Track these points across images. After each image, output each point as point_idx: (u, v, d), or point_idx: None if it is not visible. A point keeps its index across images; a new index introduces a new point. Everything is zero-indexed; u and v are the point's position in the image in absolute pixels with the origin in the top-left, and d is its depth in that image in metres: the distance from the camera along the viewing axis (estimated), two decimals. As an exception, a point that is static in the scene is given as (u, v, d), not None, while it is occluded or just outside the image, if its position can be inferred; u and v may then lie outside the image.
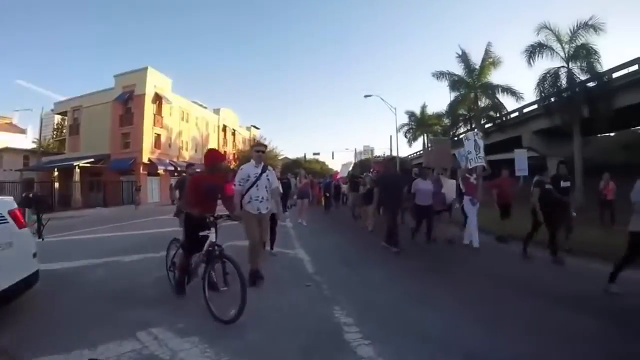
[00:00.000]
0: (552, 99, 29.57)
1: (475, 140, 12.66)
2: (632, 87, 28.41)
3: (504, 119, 37.57)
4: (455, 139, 34.42)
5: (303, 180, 18.29)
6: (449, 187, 12.63)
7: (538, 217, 9.87)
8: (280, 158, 73.37)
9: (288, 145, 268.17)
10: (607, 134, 45.60)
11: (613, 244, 10.57)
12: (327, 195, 25.88)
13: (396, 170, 13.23)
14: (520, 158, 15.72)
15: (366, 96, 46.08)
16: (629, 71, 28.91)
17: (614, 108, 28.02)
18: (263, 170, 7.62)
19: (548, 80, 29.08)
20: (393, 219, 11.17)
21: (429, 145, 46.69)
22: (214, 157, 6.66)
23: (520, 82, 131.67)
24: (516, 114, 38.83)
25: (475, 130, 14.88)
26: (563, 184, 10.07)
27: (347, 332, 5.06)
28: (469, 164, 12.56)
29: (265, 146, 8.21)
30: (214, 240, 5.92)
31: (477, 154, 12.40)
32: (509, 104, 44.10)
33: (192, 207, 6.17)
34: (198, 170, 8.53)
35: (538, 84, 29.57)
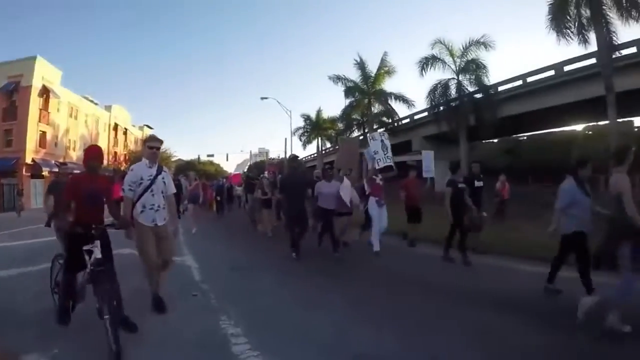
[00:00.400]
0: (442, 108, 31.53)
1: (382, 141, 12.33)
2: (515, 99, 31.87)
3: (395, 124, 39.11)
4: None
5: (193, 183, 17.07)
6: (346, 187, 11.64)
7: (448, 217, 9.80)
8: (173, 159, 71.71)
9: (181, 147, 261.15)
10: (491, 140, 48.32)
11: (509, 240, 11.37)
12: (219, 198, 24.57)
13: (299, 171, 12.47)
14: (428, 159, 15.48)
15: (262, 98, 45.96)
16: (513, 85, 31.92)
17: (498, 117, 30.61)
18: (158, 172, 6.20)
19: (438, 90, 31.60)
20: (296, 223, 10.57)
21: (334, 146, 47.30)
22: (92, 153, 5.43)
23: (412, 90, 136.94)
24: (407, 120, 40.91)
25: (382, 130, 14.57)
26: (477, 183, 10.41)
27: (235, 344, 4.84)
28: (376, 164, 12.04)
29: (161, 141, 6.54)
30: (99, 256, 4.91)
31: (385, 154, 12.03)
32: (401, 110, 45.66)
33: (66, 216, 5.29)
34: (76, 171, 7.00)
35: (429, 93, 31.89)
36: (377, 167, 11.91)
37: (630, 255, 5.07)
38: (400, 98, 36.85)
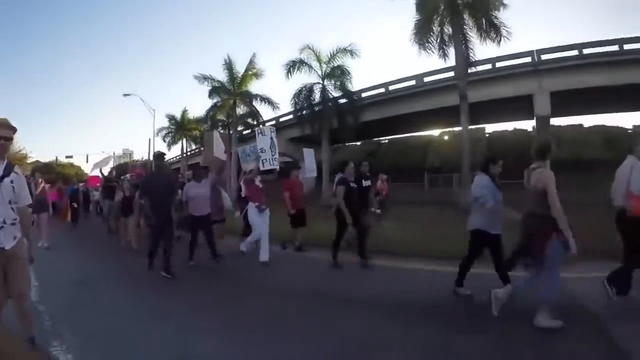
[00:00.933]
0: (306, 111, 32.31)
1: (272, 138, 11.26)
2: (378, 105, 34.20)
3: (261, 126, 39.17)
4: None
5: (39, 187, 13.47)
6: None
7: (345, 218, 9.00)
8: (29, 162, 66.96)
9: (38, 147, 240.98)
10: (355, 143, 50.20)
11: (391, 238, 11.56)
12: (74, 205, 20.81)
13: (164, 171, 10.64)
14: (310, 157, 14.48)
15: (125, 95, 44.65)
16: (377, 92, 33.87)
17: (361, 121, 32.75)
18: (6, 173, 4.43)
19: (303, 94, 31.95)
20: (160, 232, 9.06)
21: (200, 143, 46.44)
22: None
23: (279, 93, 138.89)
24: (273, 122, 41.35)
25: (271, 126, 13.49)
26: (364, 183, 10.10)
27: (64, 374, 4.29)
28: (261, 165, 10.86)
29: (13, 129, 4.65)
30: None
31: (272, 155, 11.06)
32: (267, 112, 45.97)
33: None
34: None
35: (294, 96, 32.59)
36: (262, 168, 10.89)
37: (552, 251, 5.23)
38: (266, 100, 37.23)
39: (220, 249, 10.40)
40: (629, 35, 28.67)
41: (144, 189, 9.56)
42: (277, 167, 11.26)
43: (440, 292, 6.95)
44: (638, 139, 6.43)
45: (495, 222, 6.37)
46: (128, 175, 16.46)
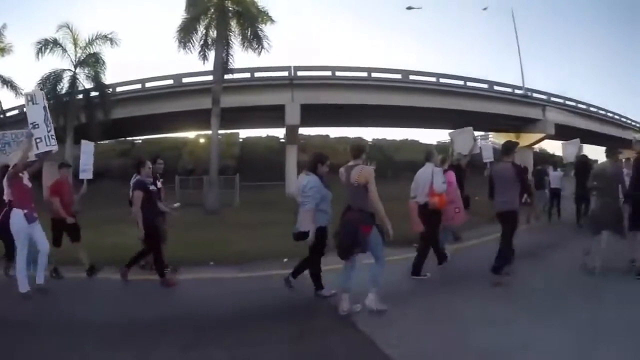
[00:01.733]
0: (51, 101, 29.15)
1: (44, 108, 7.70)
2: (132, 102, 33.55)
3: (3, 115, 34.24)
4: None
5: None
6: None
7: (139, 231, 7.60)
8: None
9: None
10: (106, 142, 47.74)
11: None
12: None
13: None
14: (89, 152, 11.02)
15: None
16: (133, 88, 34.16)
17: (113, 118, 30.58)
18: None
19: (50, 81, 28.48)
20: None
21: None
22: None
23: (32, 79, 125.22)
24: (16, 111, 35.26)
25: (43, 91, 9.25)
26: (158, 184, 8.87)
27: None
28: (36, 146, 7.34)
29: None
30: None
31: (49, 131, 7.56)
32: (10, 99, 40.01)
33: None
34: None
35: (40, 83, 28.53)
36: (36, 151, 7.47)
37: (373, 240, 5.77)
38: (9, 83, 31.32)
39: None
40: (376, 66, 36.89)
41: None
42: (55, 148, 7.84)
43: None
44: (434, 151, 8.63)
45: (326, 219, 6.67)
46: None
